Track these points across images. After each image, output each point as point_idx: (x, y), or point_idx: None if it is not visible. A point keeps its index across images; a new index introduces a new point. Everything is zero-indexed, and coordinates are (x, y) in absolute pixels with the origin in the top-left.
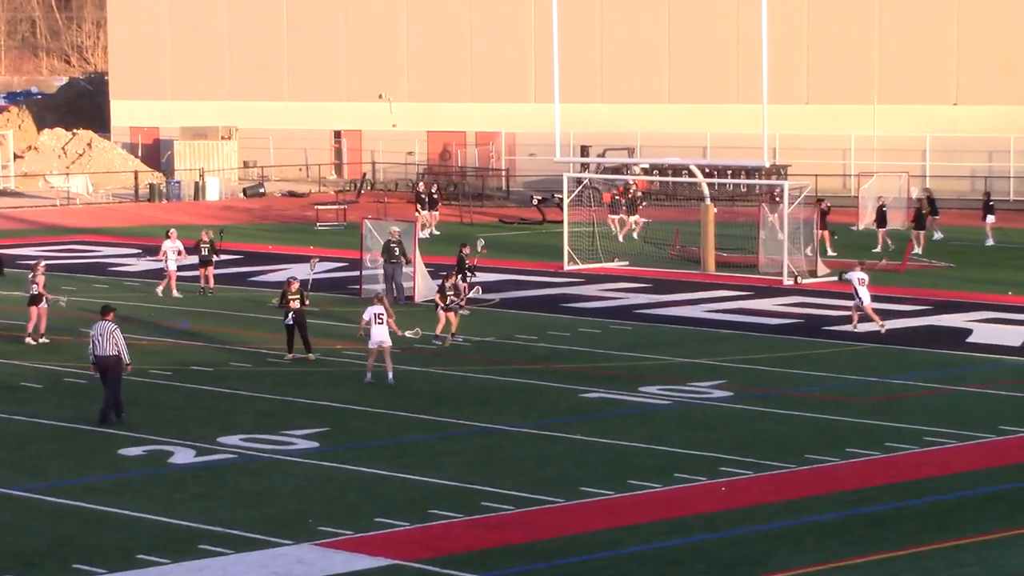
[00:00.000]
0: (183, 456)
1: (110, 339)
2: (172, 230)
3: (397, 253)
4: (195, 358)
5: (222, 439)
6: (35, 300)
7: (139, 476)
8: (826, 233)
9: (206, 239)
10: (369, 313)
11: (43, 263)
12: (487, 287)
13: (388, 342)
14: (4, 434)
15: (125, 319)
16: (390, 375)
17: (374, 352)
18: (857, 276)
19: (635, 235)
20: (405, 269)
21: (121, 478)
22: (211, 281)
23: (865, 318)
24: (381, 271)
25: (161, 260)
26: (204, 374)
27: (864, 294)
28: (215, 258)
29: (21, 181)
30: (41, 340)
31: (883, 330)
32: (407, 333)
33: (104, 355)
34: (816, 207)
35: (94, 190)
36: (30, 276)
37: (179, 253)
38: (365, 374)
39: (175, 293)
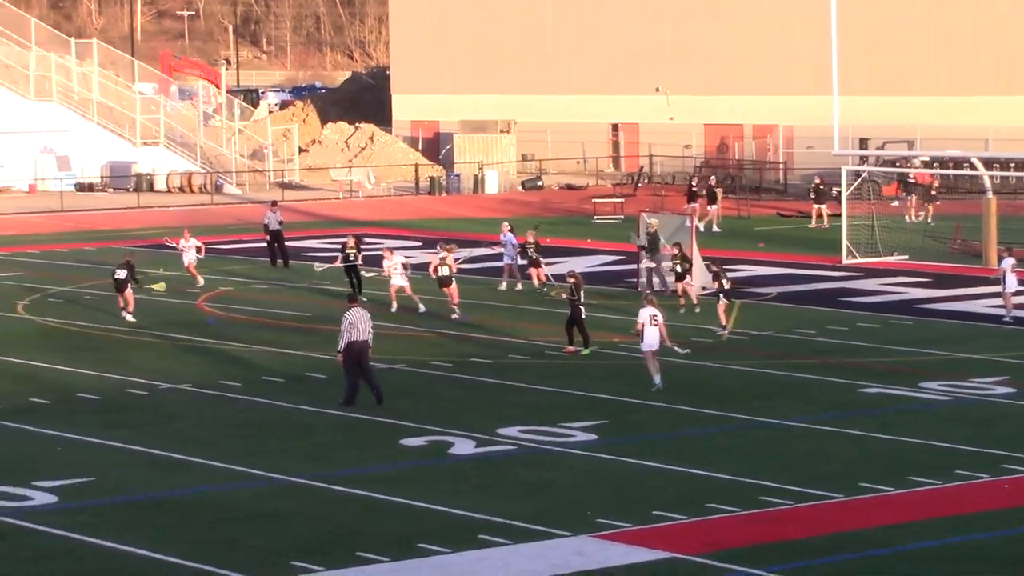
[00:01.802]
0: (463, 447)
1: (368, 324)
2: (505, 223)
3: (648, 245)
4: (474, 350)
5: (501, 430)
6: (445, 282)
7: (421, 466)
8: None
9: (531, 239)
10: (644, 315)
11: (454, 246)
12: (763, 281)
13: (658, 345)
14: (291, 423)
15: (404, 310)
16: (656, 379)
17: (649, 355)
18: (1010, 263)
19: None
20: (665, 263)
21: (402, 467)
22: (536, 279)
23: None
24: (646, 266)
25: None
26: (483, 366)
27: (1011, 281)
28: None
29: (306, 174)
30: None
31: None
32: (676, 348)
33: (362, 339)
34: None
35: (375, 183)
36: (440, 256)
37: (515, 247)
38: (653, 378)
39: (518, 287)
